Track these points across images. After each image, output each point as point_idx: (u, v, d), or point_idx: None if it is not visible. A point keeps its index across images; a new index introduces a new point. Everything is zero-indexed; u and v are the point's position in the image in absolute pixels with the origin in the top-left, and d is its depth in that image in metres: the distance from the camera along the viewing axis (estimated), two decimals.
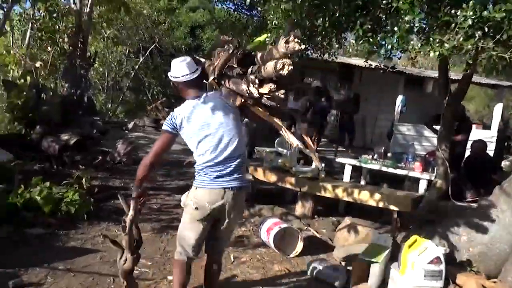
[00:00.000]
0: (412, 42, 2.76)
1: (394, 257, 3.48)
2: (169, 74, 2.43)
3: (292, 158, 5.88)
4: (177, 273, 2.47)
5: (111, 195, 4.99)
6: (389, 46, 2.75)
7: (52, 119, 7.37)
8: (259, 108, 2.27)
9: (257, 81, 2.14)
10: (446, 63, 4.19)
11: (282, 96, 2.14)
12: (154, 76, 16.13)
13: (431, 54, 2.69)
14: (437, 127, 4.96)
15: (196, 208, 2.31)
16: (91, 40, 13.04)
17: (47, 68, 7.61)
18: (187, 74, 2.34)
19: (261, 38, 2.77)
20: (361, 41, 2.89)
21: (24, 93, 6.47)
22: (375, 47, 2.92)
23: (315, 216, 5.12)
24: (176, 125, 2.32)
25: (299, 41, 2.03)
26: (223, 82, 2.33)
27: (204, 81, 2.46)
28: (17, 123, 6.71)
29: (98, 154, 6.59)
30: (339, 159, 6.01)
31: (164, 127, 2.35)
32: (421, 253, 3.10)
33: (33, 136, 6.39)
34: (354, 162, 5.71)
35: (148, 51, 14.68)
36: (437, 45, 2.65)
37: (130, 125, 9.57)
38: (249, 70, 2.21)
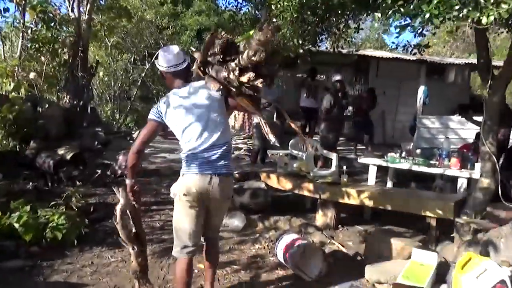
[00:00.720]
0: (456, 8, 2.13)
1: (439, 277, 2.86)
2: (156, 63, 2.49)
3: (309, 161, 5.26)
4: (179, 271, 2.41)
5: (108, 213, 4.47)
6: (427, 15, 2.12)
7: (50, 133, 6.93)
8: (244, 99, 2.29)
9: (237, 69, 2.16)
10: (485, 39, 3.53)
11: (261, 85, 2.18)
12: (162, 83, 15.69)
13: (483, 20, 2.06)
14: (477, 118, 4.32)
15: (185, 195, 2.33)
16: (95, 50, 12.70)
17: (42, 79, 7.14)
18: (173, 65, 2.39)
19: (251, 32, 2.52)
20: (389, 13, 2.28)
21: (17, 106, 6.00)
22: (407, 18, 2.30)
23: (339, 226, 4.49)
24: (161, 113, 2.36)
25: (273, 30, 2.12)
26: (207, 70, 2.30)
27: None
28: (11, 139, 6.24)
29: (98, 168, 6.10)
30: (363, 160, 5.35)
31: (150, 116, 2.39)
32: (480, 276, 2.46)
33: (27, 152, 5.93)
34: (380, 162, 5.05)
35: (154, 57, 14.24)
36: (491, 7, 2.02)
37: (135, 134, 9.08)
38: (232, 58, 2.22)
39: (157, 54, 2.50)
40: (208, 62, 2.28)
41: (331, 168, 5.54)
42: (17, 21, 7.25)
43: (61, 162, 5.69)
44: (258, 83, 2.16)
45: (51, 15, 8.64)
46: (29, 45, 8.77)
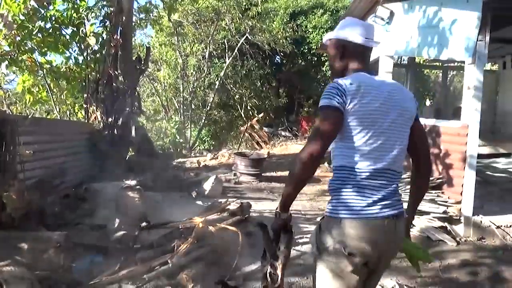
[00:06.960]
0: None
1: None
2: (336, 33, 1.62)
3: None
4: None
5: None
6: None
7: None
8: None
9: None
10: None
11: None
12: (245, 85, 11.58)
13: None
14: None
15: (347, 254, 1.43)
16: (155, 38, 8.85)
17: None
18: (369, 38, 1.59)
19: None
20: None
21: None
22: None
23: None
24: (346, 98, 1.44)
25: None
26: None
27: None
28: None
29: None
30: None
31: (327, 102, 1.45)
32: None
33: None
34: None
35: (237, 47, 10.15)
36: None
37: (208, 186, 4.75)
38: None
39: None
40: None
41: None
42: None
43: None
44: None
45: None
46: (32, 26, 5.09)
